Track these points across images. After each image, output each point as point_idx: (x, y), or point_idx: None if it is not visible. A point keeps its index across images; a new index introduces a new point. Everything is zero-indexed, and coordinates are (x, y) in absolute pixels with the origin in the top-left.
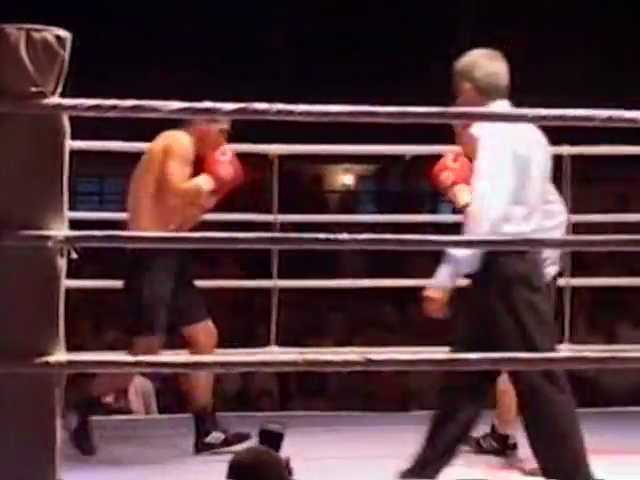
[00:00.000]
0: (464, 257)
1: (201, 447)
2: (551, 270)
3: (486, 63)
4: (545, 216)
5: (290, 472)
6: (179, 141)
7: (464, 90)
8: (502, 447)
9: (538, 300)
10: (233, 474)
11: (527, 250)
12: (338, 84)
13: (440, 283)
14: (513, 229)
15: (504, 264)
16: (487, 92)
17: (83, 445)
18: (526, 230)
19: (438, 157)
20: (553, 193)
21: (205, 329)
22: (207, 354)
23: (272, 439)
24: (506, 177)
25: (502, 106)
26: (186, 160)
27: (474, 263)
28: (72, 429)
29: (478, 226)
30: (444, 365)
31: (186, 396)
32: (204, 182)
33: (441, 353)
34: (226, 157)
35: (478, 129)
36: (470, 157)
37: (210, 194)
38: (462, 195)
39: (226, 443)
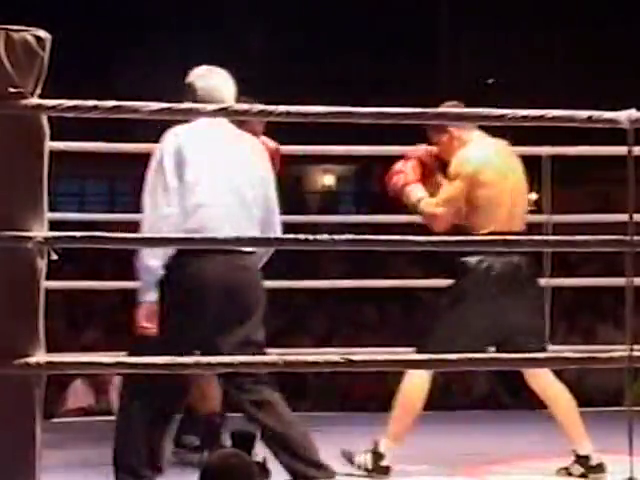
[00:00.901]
0: (147, 266)
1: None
2: None
3: (201, 80)
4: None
5: (267, 473)
6: None
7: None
8: (586, 470)
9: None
10: (204, 478)
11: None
12: (319, 85)
13: (141, 299)
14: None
15: (181, 267)
16: None
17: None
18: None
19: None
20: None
21: None
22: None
23: (244, 441)
24: (167, 181)
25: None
26: None
27: (158, 270)
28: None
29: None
30: (424, 366)
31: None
32: None
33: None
34: None
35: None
36: (444, 158)
37: None
38: (415, 192)
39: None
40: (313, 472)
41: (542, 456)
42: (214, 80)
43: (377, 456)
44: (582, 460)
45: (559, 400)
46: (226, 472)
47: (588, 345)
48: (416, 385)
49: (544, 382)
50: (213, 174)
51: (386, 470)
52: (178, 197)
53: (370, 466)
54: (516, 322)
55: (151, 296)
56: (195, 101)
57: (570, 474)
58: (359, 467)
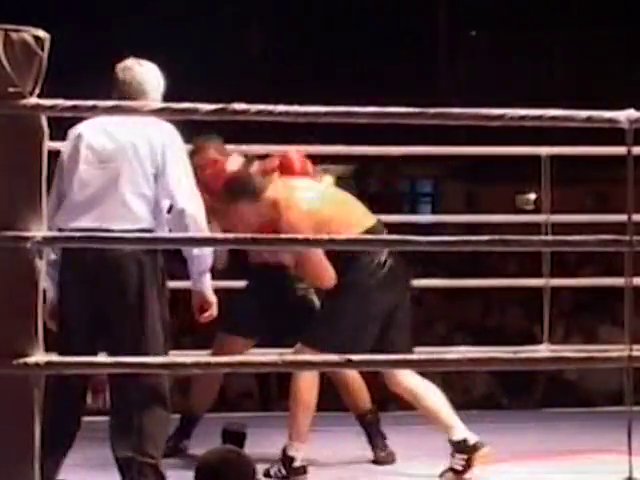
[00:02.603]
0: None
1: None
2: None
3: (122, 72)
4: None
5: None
6: None
7: None
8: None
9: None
10: (200, 475)
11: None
12: (319, 85)
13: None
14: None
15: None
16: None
17: None
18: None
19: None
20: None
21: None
22: None
23: (235, 439)
24: (56, 179)
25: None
26: None
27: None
28: None
29: None
30: (423, 365)
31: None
32: None
33: (418, 353)
34: None
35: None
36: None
37: None
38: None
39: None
40: None
41: (542, 456)
42: (126, 75)
43: (288, 460)
44: (460, 445)
45: (430, 396)
46: (223, 468)
47: (588, 345)
48: (307, 381)
49: (407, 384)
50: (82, 166)
51: (302, 470)
52: (56, 193)
53: (285, 472)
54: (393, 320)
55: (48, 294)
56: (120, 96)
57: (455, 470)
58: (276, 478)
